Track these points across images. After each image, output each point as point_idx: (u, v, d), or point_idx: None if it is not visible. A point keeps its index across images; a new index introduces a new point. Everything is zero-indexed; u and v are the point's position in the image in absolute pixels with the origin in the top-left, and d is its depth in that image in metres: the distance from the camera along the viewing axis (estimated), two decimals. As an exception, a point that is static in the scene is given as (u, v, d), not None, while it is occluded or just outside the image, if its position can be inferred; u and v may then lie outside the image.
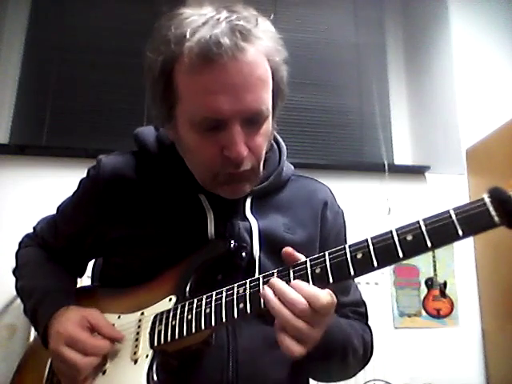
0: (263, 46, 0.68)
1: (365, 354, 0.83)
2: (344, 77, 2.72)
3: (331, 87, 2.67)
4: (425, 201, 2.32)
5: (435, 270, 2.22)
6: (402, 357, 2.10)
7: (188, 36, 0.65)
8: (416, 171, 2.43)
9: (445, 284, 2.22)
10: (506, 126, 2.10)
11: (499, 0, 2.55)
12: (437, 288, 2.21)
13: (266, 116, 0.71)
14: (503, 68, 2.47)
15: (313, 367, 0.77)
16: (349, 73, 2.74)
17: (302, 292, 0.59)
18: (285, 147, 0.90)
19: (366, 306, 0.90)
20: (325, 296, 0.59)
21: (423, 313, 2.18)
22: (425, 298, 2.20)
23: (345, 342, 0.75)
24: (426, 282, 2.21)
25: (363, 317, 0.88)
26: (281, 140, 0.91)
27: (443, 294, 2.21)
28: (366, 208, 2.27)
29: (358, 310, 0.87)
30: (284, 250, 0.64)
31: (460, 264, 2.24)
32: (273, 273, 0.64)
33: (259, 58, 0.67)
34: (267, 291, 0.60)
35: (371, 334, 0.86)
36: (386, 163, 2.36)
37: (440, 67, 2.54)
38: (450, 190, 2.33)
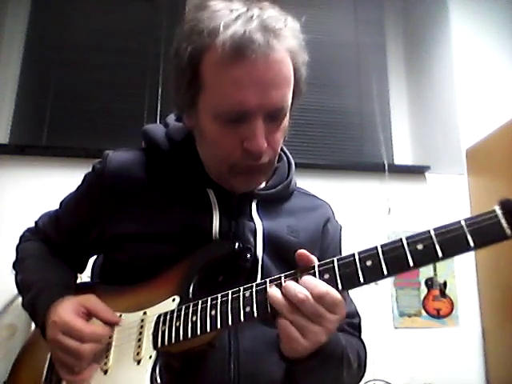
0: (290, 45, 0.70)
1: (358, 370, 0.82)
2: (344, 77, 2.73)
3: (331, 87, 2.68)
4: (425, 201, 2.32)
5: (435, 270, 2.22)
6: (402, 357, 2.09)
7: (221, 29, 0.66)
8: (416, 171, 2.42)
9: (445, 284, 2.22)
10: (506, 126, 2.10)
11: (499, 0, 2.55)
12: (437, 288, 2.21)
13: (285, 113, 0.73)
14: (503, 68, 2.47)
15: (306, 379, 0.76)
16: (349, 73, 2.74)
17: (305, 285, 0.60)
18: (293, 162, 0.93)
19: (359, 317, 0.90)
20: (330, 289, 0.59)
21: (423, 313, 2.18)
22: (425, 298, 2.19)
23: (341, 355, 0.74)
24: (426, 282, 2.21)
25: (356, 329, 0.88)
26: (290, 155, 0.94)
27: (443, 293, 2.21)
28: (366, 208, 2.27)
29: (352, 322, 0.87)
30: (298, 252, 0.64)
31: (460, 264, 2.24)
32: (280, 277, 0.64)
33: (286, 56, 0.69)
34: (274, 289, 0.62)
35: (365, 351, 0.86)
36: (385, 163, 2.35)
37: (440, 67, 2.54)
38: (449, 190, 2.33)
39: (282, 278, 0.64)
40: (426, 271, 2.22)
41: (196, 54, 0.69)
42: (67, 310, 0.72)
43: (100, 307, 0.74)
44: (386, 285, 2.18)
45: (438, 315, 2.18)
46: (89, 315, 0.73)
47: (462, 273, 2.24)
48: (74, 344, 0.69)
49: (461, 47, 2.46)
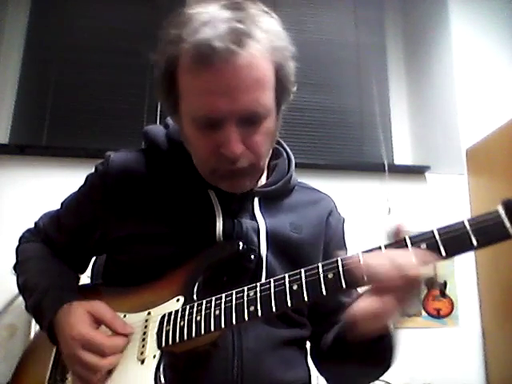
0: (262, 47, 0.68)
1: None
2: (344, 77, 2.73)
3: (331, 87, 2.68)
4: (425, 201, 2.32)
5: (435, 270, 2.22)
6: (401, 357, 2.09)
7: (185, 37, 0.67)
8: (416, 171, 2.42)
9: (445, 284, 2.22)
10: (506, 126, 2.10)
11: (499, 0, 2.55)
12: (437, 288, 2.21)
13: (264, 115, 0.72)
14: (503, 68, 2.47)
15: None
16: (349, 73, 2.74)
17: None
18: (293, 157, 0.93)
19: None
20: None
21: (423, 313, 2.18)
22: (425, 298, 2.19)
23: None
24: (426, 282, 2.21)
25: None
26: (289, 150, 0.94)
27: (443, 293, 2.21)
28: (366, 208, 2.27)
29: None
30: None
31: (460, 264, 2.24)
32: (284, 276, 0.65)
33: (256, 59, 0.68)
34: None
35: None
36: (385, 163, 2.35)
37: (440, 67, 2.54)
38: (450, 190, 2.33)
39: (286, 277, 0.64)
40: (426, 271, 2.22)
41: (171, 63, 0.70)
42: (82, 322, 0.72)
43: (109, 316, 0.73)
44: (386, 285, 2.17)
45: (438, 315, 2.18)
46: (97, 323, 0.73)
47: (462, 273, 2.24)
48: (95, 360, 0.68)
49: (461, 47, 2.46)
